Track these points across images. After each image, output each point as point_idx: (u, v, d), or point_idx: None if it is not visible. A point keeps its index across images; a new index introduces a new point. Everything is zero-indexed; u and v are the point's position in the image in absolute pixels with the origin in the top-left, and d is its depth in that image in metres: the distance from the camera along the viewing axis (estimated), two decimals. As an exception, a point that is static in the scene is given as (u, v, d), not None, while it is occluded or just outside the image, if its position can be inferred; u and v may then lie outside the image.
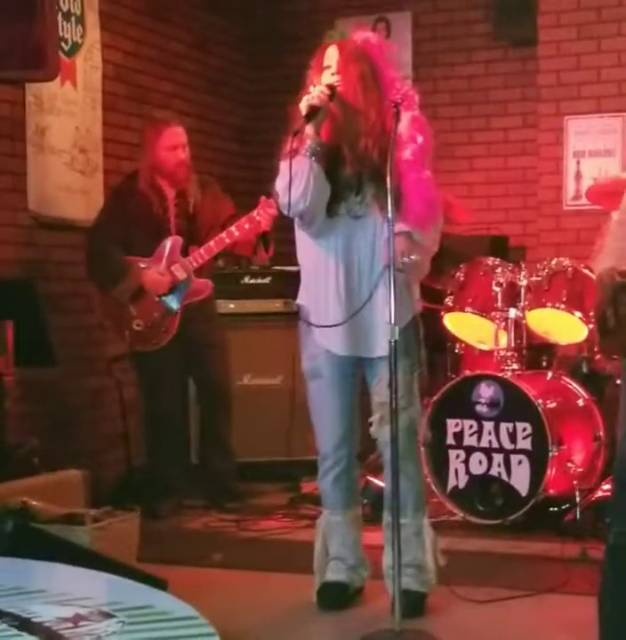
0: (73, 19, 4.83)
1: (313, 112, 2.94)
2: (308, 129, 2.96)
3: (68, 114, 4.79)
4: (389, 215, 2.83)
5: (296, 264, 3.27)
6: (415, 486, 3.13)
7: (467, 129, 5.91)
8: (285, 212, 3.06)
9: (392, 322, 2.81)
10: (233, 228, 4.27)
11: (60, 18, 4.61)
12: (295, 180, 2.94)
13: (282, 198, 3.01)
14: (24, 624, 1.27)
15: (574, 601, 3.13)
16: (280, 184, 3.01)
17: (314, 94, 2.96)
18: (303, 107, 2.95)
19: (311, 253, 3.14)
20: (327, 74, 3.04)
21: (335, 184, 3.05)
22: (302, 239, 3.17)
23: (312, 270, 3.15)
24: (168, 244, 4.38)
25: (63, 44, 4.68)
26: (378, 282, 2.97)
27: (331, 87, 3.00)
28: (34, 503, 3.23)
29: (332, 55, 3.06)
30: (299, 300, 3.22)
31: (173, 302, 4.38)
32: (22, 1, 3.78)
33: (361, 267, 3.07)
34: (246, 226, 4.24)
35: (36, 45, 3.80)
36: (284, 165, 2.98)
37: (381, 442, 3.10)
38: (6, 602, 1.36)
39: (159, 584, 2.55)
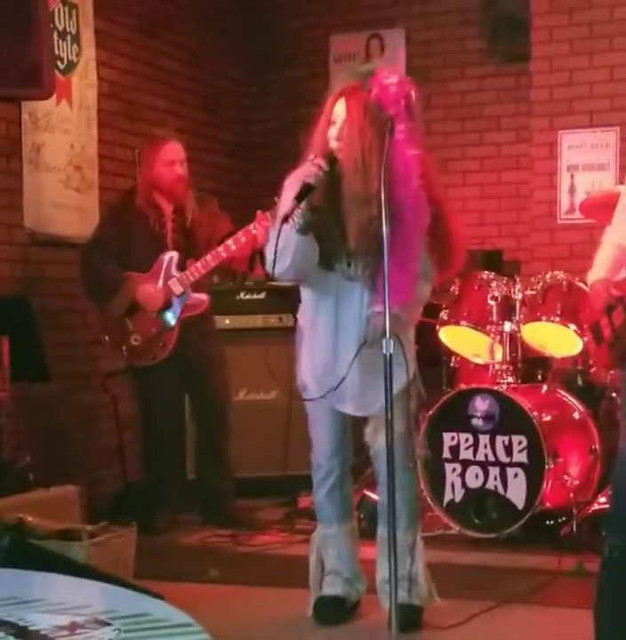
0: (68, 37, 4.86)
1: (307, 191, 2.91)
2: (300, 205, 2.92)
3: (63, 131, 4.81)
4: (385, 249, 2.74)
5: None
6: (408, 499, 3.12)
7: (460, 144, 5.94)
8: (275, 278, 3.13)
9: (388, 335, 2.81)
10: (230, 242, 4.28)
11: (55, 36, 4.62)
12: (282, 254, 2.96)
13: (269, 268, 3.05)
14: (21, 632, 1.28)
15: (570, 614, 3.12)
16: (268, 253, 3.03)
17: (310, 171, 2.94)
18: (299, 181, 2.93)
19: (310, 296, 3.18)
20: (332, 132, 3.00)
21: (331, 243, 3.04)
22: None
23: (309, 313, 3.18)
24: (165, 258, 4.39)
25: (59, 62, 4.71)
26: (359, 351, 3.00)
27: (330, 159, 2.96)
28: (29, 519, 3.23)
29: (340, 111, 2.98)
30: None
31: (171, 317, 4.38)
32: (18, 20, 3.80)
33: (347, 329, 3.07)
34: (243, 239, 4.26)
35: (31, 64, 3.82)
36: (273, 234, 2.99)
37: (374, 451, 3.12)
38: (3, 611, 1.37)
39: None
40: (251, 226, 4.23)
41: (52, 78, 4.01)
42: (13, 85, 3.88)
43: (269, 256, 3.01)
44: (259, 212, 4.21)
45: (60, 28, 4.79)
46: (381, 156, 2.83)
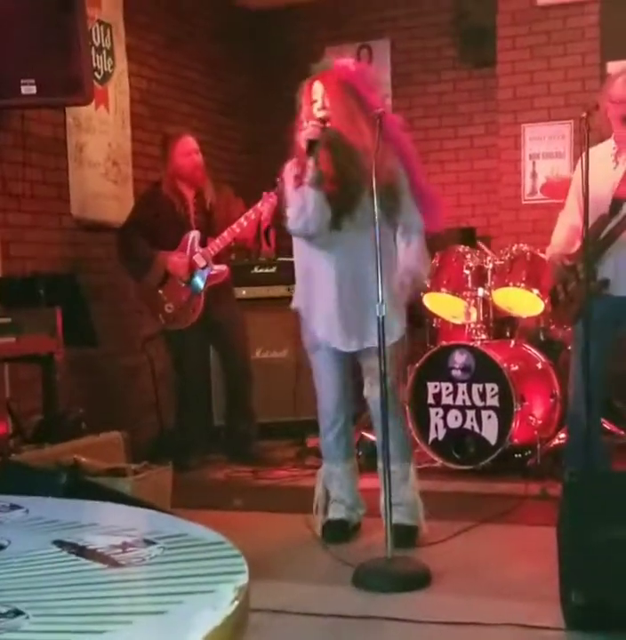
0: (104, 52, 4.84)
1: (311, 145, 2.89)
2: (309, 161, 2.90)
3: (101, 132, 4.81)
4: (376, 214, 2.77)
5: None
6: (397, 438, 3.09)
7: (438, 137, 5.92)
8: (296, 235, 3.03)
9: (380, 300, 2.81)
10: (242, 219, 4.29)
11: (93, 52, 4.61)
12: (304, 209, 2.90)
13: (293, 225, 2.97)
14: (81, 551, 1.30)
15: (536, 531, 3.16)
16: (292, 212, 2.95)
17: (309, 130, 2.90)
18: (303, 142, 2.90)
19: (314, 261, 3.09)
20: (315, 108, 2.97)
21: (338, 202, 2.98)
22: (303, 251, 3.12)
23: (314, 277, 3.09)
24: (190, 237, 4.40)
25: (97, 73, 4.70)
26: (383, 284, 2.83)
27: (322, 121, 2.93)
28: (83, 460, 3.25)
29: (317, 90, 2.98)
30: (296, 304, 3.19)
31: (198, 286, 4.40)
32: (62, 39, 3.79)
33: (366, 273, 2.98)
34: (252, 216, 4.27)
35: (74, 76, 3.81)
36: (293, 195, 2.93)
37: (371, 400, 3.13)
38: (65, 534, 1.39)
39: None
40: (258, 204, 4.22)
41: (91, 87, 4.00)
42: (59, 94, 3.87)
43: (293, 212, 2.93)
44: (265, 193, 4.21)
45: (97, 44, 4.76)
46: (361, 115, 2.93)
